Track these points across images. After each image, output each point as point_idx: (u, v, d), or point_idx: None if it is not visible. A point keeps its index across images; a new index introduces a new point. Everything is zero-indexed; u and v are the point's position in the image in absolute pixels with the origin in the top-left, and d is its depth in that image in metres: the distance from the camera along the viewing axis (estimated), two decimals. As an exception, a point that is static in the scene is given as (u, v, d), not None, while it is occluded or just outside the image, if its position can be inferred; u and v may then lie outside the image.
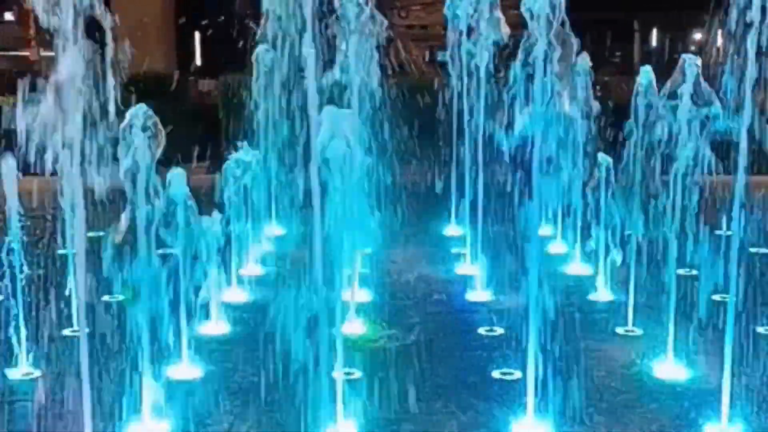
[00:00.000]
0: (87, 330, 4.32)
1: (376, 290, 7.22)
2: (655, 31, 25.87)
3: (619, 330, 6.53)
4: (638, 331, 6.45)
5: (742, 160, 4.70)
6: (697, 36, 23.02)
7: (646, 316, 6.48)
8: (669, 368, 5.73)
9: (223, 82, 13.55)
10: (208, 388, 5.51)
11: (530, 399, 4.92)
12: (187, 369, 5.69)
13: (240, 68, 9.96)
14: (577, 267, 8.02)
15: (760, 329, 6.40)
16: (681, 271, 6.17)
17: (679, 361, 5.75)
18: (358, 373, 5.55)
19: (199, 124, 12.98)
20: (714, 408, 4.89)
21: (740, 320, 5.04)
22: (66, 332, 6.22)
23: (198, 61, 21.01)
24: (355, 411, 4.95)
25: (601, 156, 7.14)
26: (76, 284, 4.36)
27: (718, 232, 6.10)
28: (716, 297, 5.61)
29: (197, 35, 21.33)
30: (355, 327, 6.34)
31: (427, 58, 17.59)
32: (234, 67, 12.29)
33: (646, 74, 6.27)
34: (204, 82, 17.43)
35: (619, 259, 6.95)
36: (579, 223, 7.98)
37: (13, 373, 5.61)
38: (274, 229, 9.00)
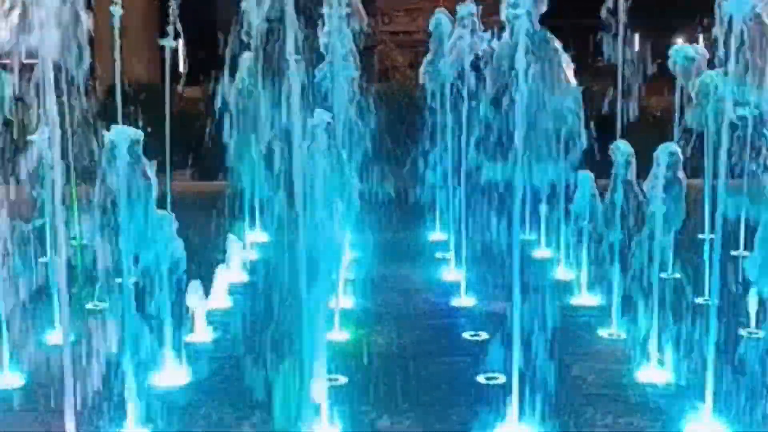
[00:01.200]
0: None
1: (361, 296, 7.23)
2: (637, 37, 26.02)
3: (603, 333, 6.56)
4: (622, 335, 6.47)
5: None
6: (679, 41, 23.18)
7: (630, 319, 6.51)
8: (651, 372, 5.77)
9: (207, 89, 13.51)
10: (190, 395, 5.52)
11: (514, 403, 4.94)
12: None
13: (224, 75, 9.94)
14: (561, 271, 8.05)
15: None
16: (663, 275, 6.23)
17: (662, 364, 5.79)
18: (343, 379, 5.55)
19: (185, 131, 12.94)
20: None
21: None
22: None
23: (182, 68, 20.93)
24: (340, 417, 4.97)
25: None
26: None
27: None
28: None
29: (181, 42, 21.25)
30: (340, 333, 6.35)
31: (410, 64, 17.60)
32: (218, 73, 12.28)
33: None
34: (189, 89, 17.36)
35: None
36: (563, 229, 8.03)
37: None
38: (258, 235, 8.99)
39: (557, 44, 5.02)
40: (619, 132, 8.98)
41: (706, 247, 6.79)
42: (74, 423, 4.20)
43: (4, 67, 4.91)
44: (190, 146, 12.25)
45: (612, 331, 6.56)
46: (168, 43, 9.18)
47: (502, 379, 5.51)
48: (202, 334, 6.45)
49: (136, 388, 4.79)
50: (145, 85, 13.87)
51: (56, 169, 4.14)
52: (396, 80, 15.73)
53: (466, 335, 6.56)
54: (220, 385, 5.71)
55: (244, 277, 7.87)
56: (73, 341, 4.57)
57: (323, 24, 7.25)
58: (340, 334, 6.36)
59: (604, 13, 8.98)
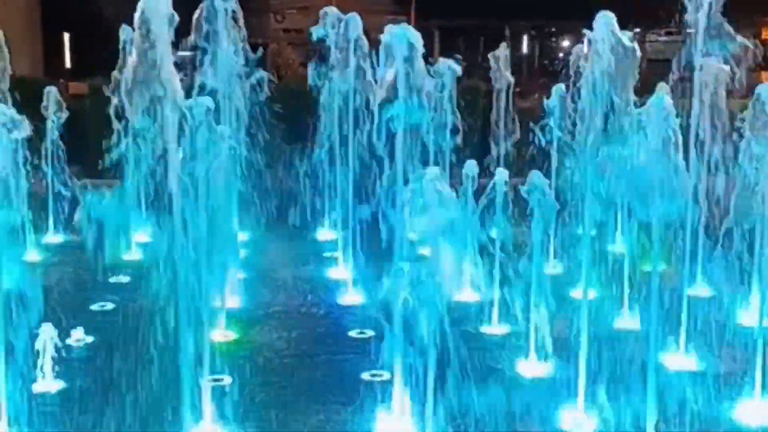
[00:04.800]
0: None
1: (246, 295, 7.21)
2: (525, 38, 26.67)
3: (485, 328, 6.72)
4: (502, 329, 6.64)
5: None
6: (565, 43, 23.85)
7: (511, 315, 6.67)
8: (531, 365, 5.96)
9: (92, 85, 13.21)
10: (70, 399, 5.42)
11: (396, 399, 5.03)
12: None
13: (110, 70, 9.74)
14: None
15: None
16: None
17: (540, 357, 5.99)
18: (227, 379, 5.54)
19: (71, 128, 12.62)
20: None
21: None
22: None
23: (68, 64, 20.41)
24: (223, 416, 4.96)
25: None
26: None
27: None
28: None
29: (66, 37, 20.71)
30: (224, 333, 6.33)
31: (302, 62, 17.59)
32: (104, 69, 12.03)
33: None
34: (76, 85, 16.93)
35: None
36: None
37: None
38: (141, 235, 8.85)
39: None
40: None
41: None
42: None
43: None
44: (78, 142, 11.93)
45: (493, 325, 6.72)
46: None
47: (386, 375, 5.59)
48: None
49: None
50: (29, 81, 13.42)
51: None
52: (288, 78, 15.70)
53: (353, 333, 6.62)
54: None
55: (125, 279, 7.74)
56: None
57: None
58: (226, 334, 6.33)
59: None
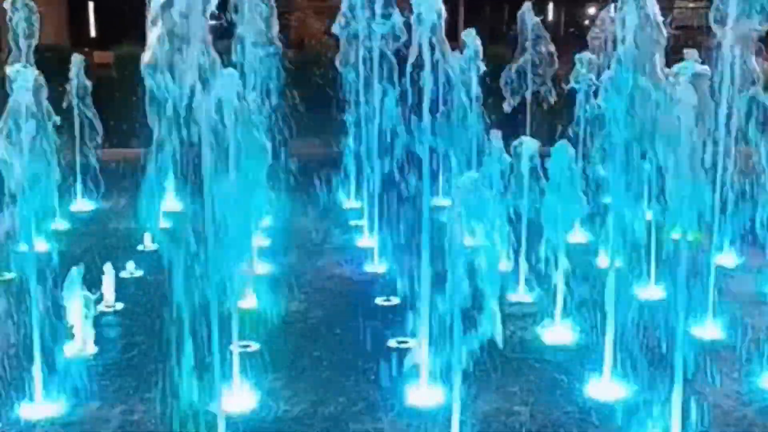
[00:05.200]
0: None
1: (273, 262, 7.26)
2: (551, 5, 26.37)
3: (511, 296, 6.72)
4: (530, 297, 6.65)
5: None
6: (591, 10, 23.58)
7: (538, 283, 6.67)
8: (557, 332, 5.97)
9: (118, 54, 13.26)
10: (102, 363, 5.50)
11: (424, 365, 5.06)
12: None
13: (135, 39, 9.76)
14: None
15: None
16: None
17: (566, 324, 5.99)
18: (255, 346, 5.59)
19: (95, 98, 12.68)
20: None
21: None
22: None
23: (92, 33, 20.44)
24: (252, 383, 5.02)
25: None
26: None
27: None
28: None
29: (91, 6, 20.73)
30: (253, 300, 6.37)
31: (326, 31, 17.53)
32: (129, 38, 12.06)
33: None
34: (101, 54, 16.97)
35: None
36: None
37: None
38: (171, 204, 8.89)
39: None
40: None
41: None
42: None
43: None
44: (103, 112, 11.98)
45: (521, 294, 6.72)
46: None
47: (412, 342, 5.62)
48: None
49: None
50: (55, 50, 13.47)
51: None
52: (311, 47, 15.66)
53: (379, 300, 6.65)
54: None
55: (154, 247, 7.81)
56: None
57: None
58: (253, 301, 6.38)
59: None
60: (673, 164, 4.43)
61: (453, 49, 5.43)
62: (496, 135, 6.66)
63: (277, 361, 5.46)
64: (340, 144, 9.21)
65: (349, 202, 9.35)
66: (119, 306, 6.45)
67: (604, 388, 5.15)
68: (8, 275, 6.39)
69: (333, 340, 5.93)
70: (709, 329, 5.99)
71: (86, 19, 21.09)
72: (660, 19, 4.96)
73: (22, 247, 5.00)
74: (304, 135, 10.99)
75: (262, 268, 7.06)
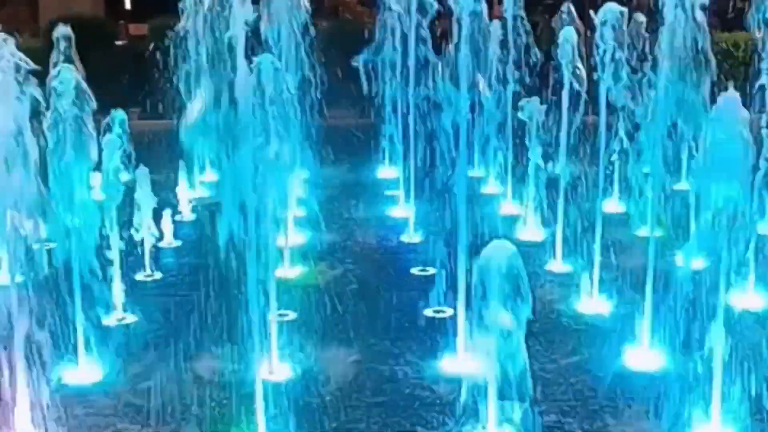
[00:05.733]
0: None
1: (309, 232, 7.29)
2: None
3: (548, 266, 6.70)
4: (566, 268, 6.62)
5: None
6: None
7: (574, 253, 6.64)
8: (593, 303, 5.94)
9: (153, 26, 13.29)
10: (141, 333, 5.58)
11: (461, 335, 5.06)
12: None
13: (170, 11, 9.77)
14: (509, 206, 8.17)
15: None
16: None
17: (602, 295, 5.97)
18: (292, 315, 5.63)
19: (130, 69, 12.75)
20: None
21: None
22: None
23: (128, 5, 20.48)
24: (289, 351, 5.06)
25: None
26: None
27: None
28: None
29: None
30: (290, 269, 6.41)
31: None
32: (164, 10, 12.06)
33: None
34: (134, 26, 17.03)
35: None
36: (510, 165, 8.14)
37: None
38: (208, 175, 8.96)
39: None
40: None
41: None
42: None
43: None
44: (138, 84, 12.05)
45: (557, 264, 6.70)
46: None
47: (449, 312, 5.63)
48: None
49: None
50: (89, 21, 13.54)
51: None
52: (345, 17, 15.60)
53: (415, 270, 6.66)
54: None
55: (192, 216, 7.89)
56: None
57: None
58: (290, 271, 6.42)
59: None
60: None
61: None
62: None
63: (313, 329, 5.51)
64: (375, 114, 9.18)
65: (384, 171, 9.35)
66: (158, 275, 6.54)
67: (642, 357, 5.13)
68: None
69: (369, 310, 5.95)
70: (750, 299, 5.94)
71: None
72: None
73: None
74: (339, 105, 11.00)
75: (298, 238, 7.09)
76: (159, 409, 4.58)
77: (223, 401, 4.58)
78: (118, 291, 5.71)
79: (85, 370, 4.98)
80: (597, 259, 6.00)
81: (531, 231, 7.37)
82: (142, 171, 6.57)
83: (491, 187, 8.72)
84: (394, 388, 4.89)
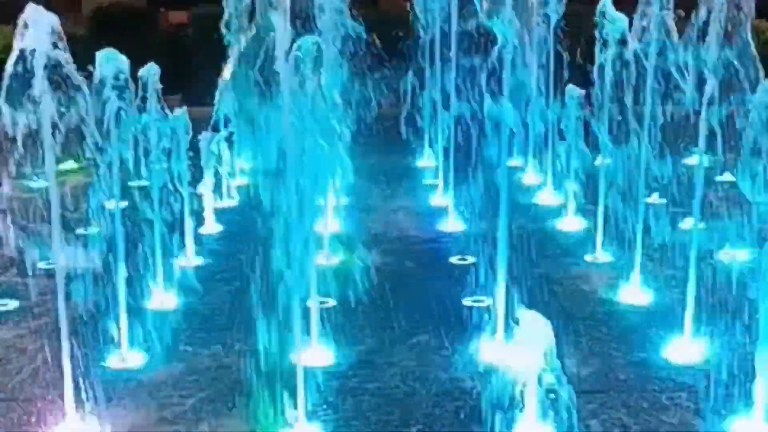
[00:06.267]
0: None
1: (348, 220, 7.30)
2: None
3: (588, 257, 6.67)
4: (606, 258, 6.58)
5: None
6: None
7: (614, 243, 6.60)
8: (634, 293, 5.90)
9: (195, 13, 13.39)
10: (184, 317, 5.64)
11: (500, 325, 5.06)
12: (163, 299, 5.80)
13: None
14: (548, 196, 8.13)
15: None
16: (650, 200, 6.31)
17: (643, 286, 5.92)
18: (332, 302, 5.66)
19: (171, 57, 12.83)
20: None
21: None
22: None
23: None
24: (329, 339, 5.09)
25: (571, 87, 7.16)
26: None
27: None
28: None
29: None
30: (329, 257, 6.44)
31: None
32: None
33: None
34: (175, 14, 17.13)
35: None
36: (550, 155, 8.09)
37: None
38: (247, 161, 9.01)
39: None
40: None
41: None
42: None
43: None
44: (179, 71, 12.12)
45: (597, 255, 6.66)
46: None
47: (487, 301, 5.62)
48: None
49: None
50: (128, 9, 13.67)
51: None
52: (384, 4, 15.56)
53: (453, 259, 6.66)
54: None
55: (232, 203, 7.95)
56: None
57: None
58: (329, 258, 6.44)
59: None
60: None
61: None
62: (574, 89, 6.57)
63: (352, 316, 5.53)
64: (414, 102, 9.17)
65: (423, 161, 9.34)
66: (200, 261, 6.60)
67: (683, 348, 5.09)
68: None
69: (408, 298, 5.96)
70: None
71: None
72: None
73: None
74: (377, 93, 10.97)
75: (337, 226, 7.11)
76: (198, 398, 4.63)
77: (263, 387, 4.62)
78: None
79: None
80: (639, 249, 5.95)
81: (571, 221, 7.34)
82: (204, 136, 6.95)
83: (530, 177, 8.68)
84: (432, 376, 4.90)
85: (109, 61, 4.81)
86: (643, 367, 4.96)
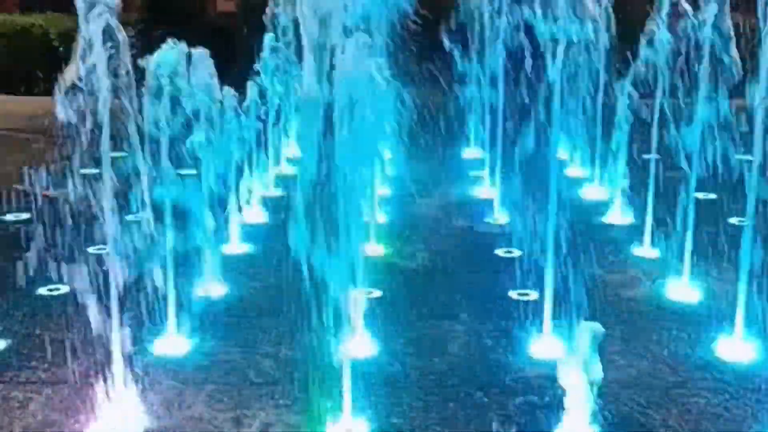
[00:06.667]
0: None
1: (393, 211, 7.30)
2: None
3: (636, 251, 6.59)
4: (654, 253, 6.50)
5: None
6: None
7: (662, 238, 6.51)
8: (683, 290, 5.81)
9: (243, 2, 13.46)
10: (229, 307, 5.67)
11: (547, 318, 5.02)
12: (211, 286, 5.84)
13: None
14: (594, 190, 8.05)
15: None
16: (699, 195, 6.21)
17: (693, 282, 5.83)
18: (377, 293, 5.65)
19: (219, 44, 12.89)
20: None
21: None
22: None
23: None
24: (374, 329, 5.08)
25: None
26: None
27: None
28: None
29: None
30: (374, 247, 6.43)
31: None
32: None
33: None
34: (223, 3, 17.25)
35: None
36: (597, 148, 8.00)
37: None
38: (293, 150, 9.04)
39: None
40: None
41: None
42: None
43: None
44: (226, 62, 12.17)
45: (645, 249, 6.57)
46: None
47: (534, 295, 5.58)
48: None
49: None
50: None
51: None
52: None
53: (499, 252, 6.61)
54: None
55: (277, 193, 7.98)
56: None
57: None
58: (374, 249, 6.44)
59: None
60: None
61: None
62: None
63: (398, 308, 5.52)
64: (460, 92, 9.12)
65: (469, 152, 9.30)
66: (246, 248, 6.63)
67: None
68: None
69: (453, 290, 5.94)
70: None
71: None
72: None
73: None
74: (424, 83, 10.93)
75: (383, 216, 7.10)
76: (243, 386, 4.66)
77: (310, 377, 4.63)
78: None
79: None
80: (688, 244, 5.86)
81: (618, 215, 7.26)
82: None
83: (576, 169, 8.60)
84: (478, 370, 4.87)
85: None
86: (695, 366, 4.87)
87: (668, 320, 5.47)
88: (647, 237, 6.59)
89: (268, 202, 7.55)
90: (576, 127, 8.30)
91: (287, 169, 8.63)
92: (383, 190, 7.50)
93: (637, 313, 5.59)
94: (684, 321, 5.44)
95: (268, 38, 7.93)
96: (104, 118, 3.96)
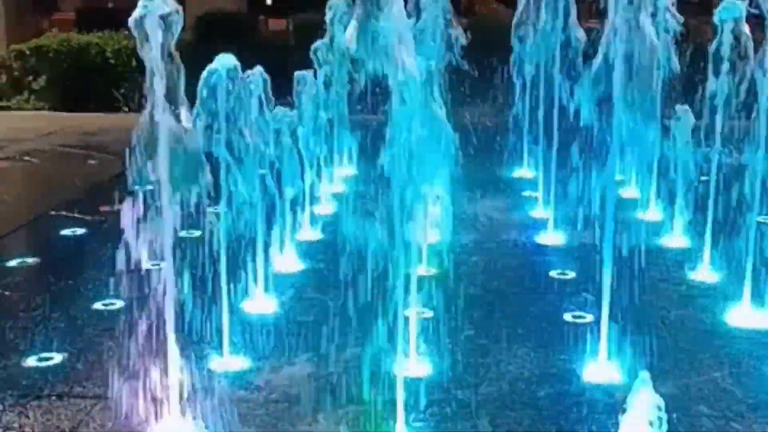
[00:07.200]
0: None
1: (445, 231, 7.23)
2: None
3: (693, 276, 6.46)
4: (713, 277, 6.36)
5: None
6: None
7: (721, 262, 6.37)
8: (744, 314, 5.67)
9: (294, 21, 13.57)
10: (280, 324, 5.66)
11: (603, 342, 4.93)
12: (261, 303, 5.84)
13: (312, 6, 9.93)
14: (650, 212, 7.92)
15: None
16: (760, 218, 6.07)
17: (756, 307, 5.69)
18: (429, 313, 5.61)
19: (270, 64, 13.01)
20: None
21: None
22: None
23: (268, 0, 20.97)
24: (426, 349, 5.04)
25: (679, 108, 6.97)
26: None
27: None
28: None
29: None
30: (425, 268, 6.38)
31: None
32: (305, 5, 12.28)
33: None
34: (275, 21, 17.43)
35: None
36: (654, 170, 7.88)
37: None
38: (345, 169, 9.04)
39: None
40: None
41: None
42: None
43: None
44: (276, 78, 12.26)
45: (703, 273, 6.44)
46: None
47: (589, 318, 5.50)
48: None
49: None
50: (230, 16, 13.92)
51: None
52: (481, 14, 15.51)
53: (553, 273, 6.53)
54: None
55: (331, 210, 7.99)
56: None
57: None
58: (426, 269, 6.39)
59: None
60: None
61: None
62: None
63: (451, 328, 5.46)
64: (512, 111, 9.05)
65: (521, 171, 9.22)
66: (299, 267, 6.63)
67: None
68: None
69: (506, 312, 5.88)
70: None
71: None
72: None
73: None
74: (474, 102, 10.93)
75: (435, 236, 7.05)
76: (291, 407, 4.64)
77: (363, 397, 4.59)
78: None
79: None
80: (749, 268, 5.72)
81: (676, 238, 7.13)
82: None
83: (631, 191, 8.47)
84: (533, 392, 4.80)
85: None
86: (760, 400, 4.73)
87: (727, 344, 5.34)
88: (706, 260, 6.45)
89: (316, 219, 7.56)
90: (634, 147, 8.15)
91: (340, 187, 8.63)
92: (435, 209, 7.43)
93: (695, 336, 5.46)
94: (743, 346, 5.31)
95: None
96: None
